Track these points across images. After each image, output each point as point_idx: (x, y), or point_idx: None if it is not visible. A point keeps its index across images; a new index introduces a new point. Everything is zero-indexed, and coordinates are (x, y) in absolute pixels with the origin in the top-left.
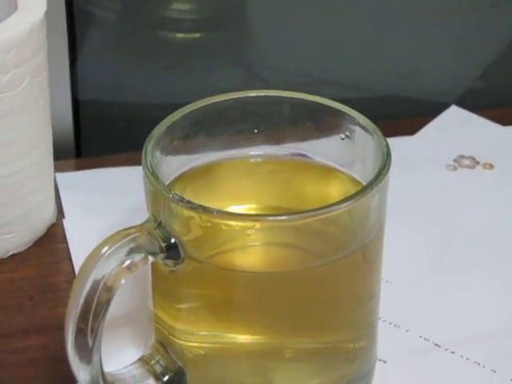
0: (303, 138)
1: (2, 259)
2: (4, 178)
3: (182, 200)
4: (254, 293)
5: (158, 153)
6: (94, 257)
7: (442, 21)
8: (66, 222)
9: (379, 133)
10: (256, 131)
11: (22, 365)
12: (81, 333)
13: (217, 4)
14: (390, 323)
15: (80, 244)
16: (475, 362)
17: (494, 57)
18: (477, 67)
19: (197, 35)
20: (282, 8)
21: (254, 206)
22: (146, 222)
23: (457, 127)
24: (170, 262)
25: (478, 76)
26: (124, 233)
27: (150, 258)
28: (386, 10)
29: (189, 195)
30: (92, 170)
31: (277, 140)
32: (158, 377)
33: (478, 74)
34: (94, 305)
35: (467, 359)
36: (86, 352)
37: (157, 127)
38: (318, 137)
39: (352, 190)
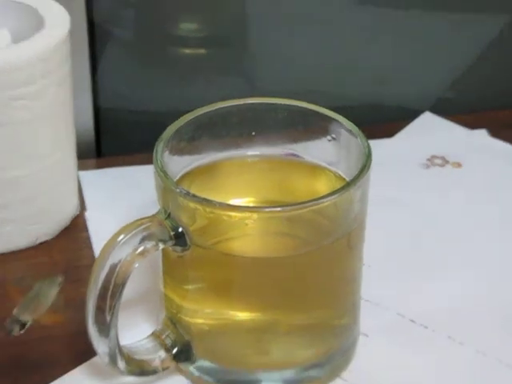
0: (295, 140)
1: (32, 246)
2: (33, 174)
3: (188, 194)
4: (252, 275)
5: (167, 153)
6: (111, 244)
7: (417, 39)
8: (87, 214)
9: (362, 135)
10: (253, 134)
11: (48, 339)
12: (100, 310)
13: (220, 23)
14: (371, 302)
15: (99, 233)
16: (447, 336)
17: (463, 69)
18: (448, 78)
19: (202, 51)
20: (278, 29)
21: (252, 199)
22: (157, 213)
23: (430, 131)
24: (178, 249)
25: (449, 86)
26: (138, 223)
27: (161, 245)
28: (367, 29)
29: (194, 190)
30: (111, 169)
31: (272, 142)
32: (168, 349)
33: (449, 84)
34: (111, 286)
35: (439, 334)
36: (105, 327)
37: (166, 131)
38: (308, 139)
39: (337, 185)
